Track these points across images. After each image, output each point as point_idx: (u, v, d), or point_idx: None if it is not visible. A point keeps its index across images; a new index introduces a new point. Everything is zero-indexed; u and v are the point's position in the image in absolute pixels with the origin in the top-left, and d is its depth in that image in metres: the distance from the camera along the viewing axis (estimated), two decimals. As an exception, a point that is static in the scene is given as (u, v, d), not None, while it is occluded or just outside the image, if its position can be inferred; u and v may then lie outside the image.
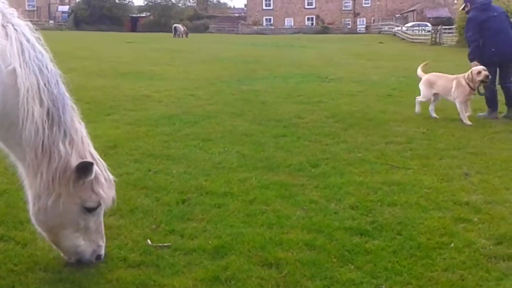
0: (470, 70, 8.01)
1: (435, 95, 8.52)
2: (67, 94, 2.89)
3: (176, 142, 6.49)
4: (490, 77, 7.58)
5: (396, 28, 51.78)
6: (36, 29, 2.87)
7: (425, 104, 8.77)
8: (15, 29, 2.68)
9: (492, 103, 8.50)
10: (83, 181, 2.85)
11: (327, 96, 10.72)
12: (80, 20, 62.73)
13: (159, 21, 66.52)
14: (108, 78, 13.08)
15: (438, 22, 46.10)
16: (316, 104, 9.69)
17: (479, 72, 7.84)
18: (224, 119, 8.08)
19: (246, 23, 69.87)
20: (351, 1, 73.39)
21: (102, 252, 3.16)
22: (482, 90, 8.25)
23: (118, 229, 3.75)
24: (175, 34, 46.84)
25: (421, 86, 8.74)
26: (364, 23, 71.33)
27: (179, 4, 73.33)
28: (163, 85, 12.01)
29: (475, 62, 8.30)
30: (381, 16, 69.00)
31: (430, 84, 8.57)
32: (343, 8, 73.54)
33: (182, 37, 46.10)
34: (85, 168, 2.81)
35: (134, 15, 71.81)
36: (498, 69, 8.44)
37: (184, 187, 4.76)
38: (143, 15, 72.99)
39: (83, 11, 64.22)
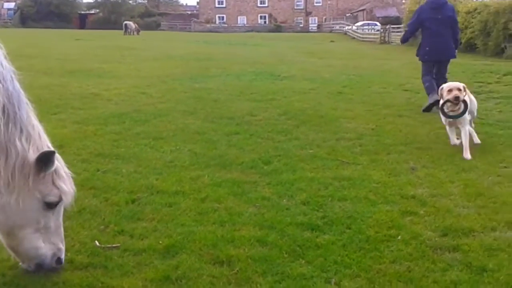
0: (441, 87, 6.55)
1: None
2: (22, 91, 2.81)
3: (126, 141, 6.37)
4: (459, 97, 6.21)
5: (346, 27, 52.74)
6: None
7: (376, 101, 8.94)
8: None
9: (429, 89, 8.80)
10: (44, 175, 2.78)
11: (279, 93, 10.79)
12: (26, 17, 60.65)
13: (109, 18, 65.18)
14: (55, 77, 12.70)
15: (387, 21, 47.21)
16: (268, 101, 9.73)
17: (450, 90, 6.20)
18: (176, 117, 8.00)
19: (198, 21, 69.44)
20: (303, 0, 74.22)
21: (63, 255, 3.06)
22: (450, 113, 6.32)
23: (64, 231, 3.62)
24: (125, 31, 45.97)
25: None
26: (316, 22, 72.27)
27: (130, 1, 72.09)
28: (113, 83, 11.77)
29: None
30: (332, 15, 70.10)
31: None
32: (295, 7, 74.30)
33: (133, 34, 45.29)
34: (46, 158, 2.75)
35: (82, 12, 70.09)
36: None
37: (134, 186, 4.67)
38: (92, 12, 71.30)
39: (30, 8, 62.13)
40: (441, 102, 6.36)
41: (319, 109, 8.96)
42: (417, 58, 9.45)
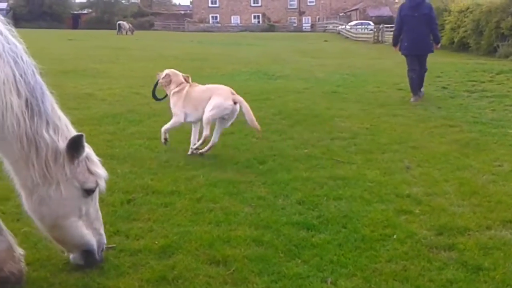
0: None
1: None
2: (44, 84, 2.84)
3: (120, 141, 6.35)
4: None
5: (340, 27, 52.80)
6: (8, 22, 2.79)
7: (370, 100, 8.95)
8: None
9: (411, 87, 9.99)
10: (77, 162, 2.82)
11: (274, 93, 10.79)
12: (19, 18, 60.27)
13: (102, 18, 64.97)
14: (48, 77, 12.52)
15: (380, 21, 47.31)
16: (263, 101, 9.73)
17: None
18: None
19: (192, 21, 69.31)
20: (296, 0, 74.24)
21: (105, 241, 3.13)
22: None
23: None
24: (119, 31, 45.83)
25: None
26: (309, 21, 72.32)
27: (123, 1, 71.86)
28: (107, 83, 11.74)
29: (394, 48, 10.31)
30: (325, 14, 70.20)
31: None
32: (289, 7, 74.32)
33: (127, 34, 45.18)
34: (76, 143, 2.77)
35: (75, 12, 69.76)
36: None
37: (129, 186, 4.66)
38: (85, 12, 71.02)
39: (22, 8, 61.78)
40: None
41: (313, 109, 8.97)
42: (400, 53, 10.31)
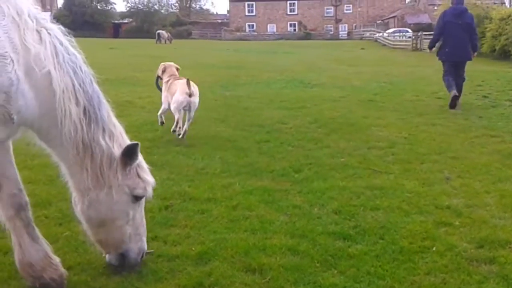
0: None
1: None
2: (101, 92, 2.97)
3: (158, 148, 6.46)
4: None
5: (377, 34, 52.33)
6: (69, 33, 2.93)
7: (408, 109, 8.83)
8: (48, 33, 2.75)
9: (448, 87, 10.00)
10: (129, 169, 2.94)
11: (310, 101, 10.77)
12: (62, 27, 62.12)
13: (142, 27, 66.34)
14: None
15: (418, 28, 46.67)
16: (299, 109, 9.72)
17: None
18: (207, 124, 8.07)
19: (229, 29, 69.98)
20: (333, 8, 74.00)
21: (145, 247, 3.23)
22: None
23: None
24: (158, 40, 46.68)
25: None
26: (346, 29, 71.95)
27: (162, 11, 73.19)
28: (146, 91, 11.95)
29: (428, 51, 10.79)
30: (362, 22, 69.67)
31: None
32: (325, 15, 74.11)
33: (166, 43, 45.99)
34: (131, 151, 2.90)
35: (116, 21, 71.45)
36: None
37: (167, 193, 4.73)
38: (126, 21, 72.66)
39: (65, 18, 63.42)
40: None
41: (349, 117, 8.91)
42: (437, 58, 10.53)
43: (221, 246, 3.63)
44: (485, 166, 5.76)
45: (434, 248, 3.62)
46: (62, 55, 2.74)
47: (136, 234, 3.11)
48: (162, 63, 7.65)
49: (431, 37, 10.79)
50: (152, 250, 3.51)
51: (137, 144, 2.92)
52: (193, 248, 3.59)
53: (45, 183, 4.97)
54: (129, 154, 2.90)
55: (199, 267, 3.34)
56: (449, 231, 3.95)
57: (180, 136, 6.79)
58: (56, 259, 3.12)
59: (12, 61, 2.51)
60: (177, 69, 7.53)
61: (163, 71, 7.45)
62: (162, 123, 7.28)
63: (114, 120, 3.03)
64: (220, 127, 7.91)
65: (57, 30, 2.84)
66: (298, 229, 3.95)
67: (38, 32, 2.70)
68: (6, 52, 2.49)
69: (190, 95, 6.71)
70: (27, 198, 3.06)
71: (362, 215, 4.26)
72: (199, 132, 7.51)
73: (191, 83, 6.84)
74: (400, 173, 5.51)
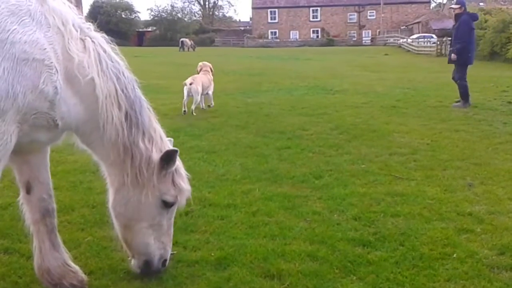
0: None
1: None
2: (143, 97, 3.06)
3: (180, 155, 6.41)
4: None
5: (401, 40, 51.87)
6: (112, 40, 3.04)
7: (431, 115, 8.75)
8: (92, 41, 2.85)
9: (465, 95, 10.85)
10: (165, 173, 3.01)
11: (331, 108, 10.75)
12: (87, 35, 63.17)
13: (165, 35, 67.01)
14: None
15: (443, 33, 46.05)
16: (320, 116, 9.72)
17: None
18: (229, 131, 8.13)
19: (251, 36, 70.24)
20: (356, 14, 73.69)
21: (168, 256, 3.26)
22: None
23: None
24: (181, 47, 47.13)
25: None
26: (370, 35, 71.51)
27: (185, 19, 73.88)
28: (169, 98, 12.10)
29: (454, 56, 10.94)
30: (386, 28, 69.17)
31: None
32: (348, 21, 73.84)
33: (189, 50, 46.41)
34: (169, 157, 2.98)
35: (140, 30, 72.35)
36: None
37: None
38: (150, 29, 73.54)
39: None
40: None
41: (371, 124, 8.86)
42: (458, 61, 10.99)
43: (240, 251, 3.65)
44: (509, 173, 5.67)
45: (454, 255, 3.58)
46: (106, 62, 2.84)
47: (160, 242, 3.13)
48: (200, 62, 11.25)
49: (462, 43, 10.81)
50: (174, 252, 3.55)
51: (176, 150, 2.99)
52: (212, 254, 3.62)
53: (68, 189, 5.08)
54: (167, 159, 2.97)
55: (218, 273, 3.37)
56: (470, 237, 3.91)
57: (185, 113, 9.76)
58: (76, 267, 3.19)
59: (57, 71, 2.60)
60: (211, 68, 11.09)
61: (200, 69, 11.04)
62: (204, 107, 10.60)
63: (155, 124, 3.11)
64: (241, 133, 7.96)
65: (101, 38, 2.94)
66: (318, 235, 3.95)
67: (82, 40, 2.80)
68: (52, 62, 2.58)
69: (190, 84, 9.90)
70: (54, 205, 3.15)
71: (382, 222, 4.24)
72: (220, 138, 7.57)
73: (199, 76, 10.65)
74: (422, 180, 5.46)
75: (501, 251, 3.64)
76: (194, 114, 9.75)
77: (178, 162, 3.09)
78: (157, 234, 3.11)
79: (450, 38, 36.31)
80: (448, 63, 11.69)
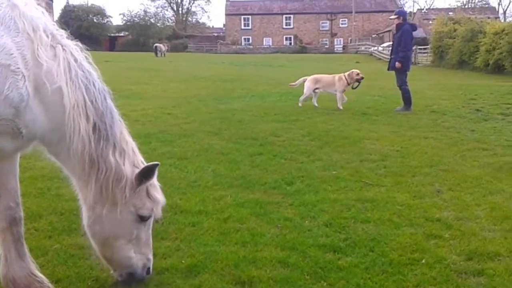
0: (351, 71, 12.53)
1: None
2: (115, 109, 2.96)
3: (151, 161, 6.44)
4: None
5: (372, 48, 52.65)
6: (86, 49, 2.96)
7: (401, 122, 8.87)
8: (63, 49, 2.76)
9: (408, 100, 11.56)
10: (139, 188, 2.91)
11: (303, 114, 10.82)
12: (58, 39, 62.16)
13: (138, 41, 66.58)
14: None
15: (413, 42, 46.99)
16: (292, 122, 9.77)
17: (358, 74, 12.21)
18: (201, 137, 8.09)
19: (224, 43, 70.30)
20: (328, 22, 74.53)
21: (151, 265, 3.19)
22: (355, 86, 12.34)
23: (89, 249, 3.70)
24: (157, 53, 46.65)
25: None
26: (341, 43, 72.37)
27: (158, 24, 73.49)
28: (140, 104, 12.00)
29: (398, 64, 11.58)
30: (358, 36, 70.11)
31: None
32: (321, 29, 74.62)
33: (163, 56, 46.09)
34: (150, 171, 2.89)
35: (112, 35, 71.66)
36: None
37: (158, 206, 4.72)
38: (122, 34, 72.90)
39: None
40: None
41: (343, 130, 8.95)
42: (400, 69, 11.73)
43: (211, 258, 3.63)
44: (476, 179, 5.79)
45: (423, 261, 3.63)
46: (75, 71, 2.75)
47: (141, 254, 3.07)
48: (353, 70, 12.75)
49: (426, 51, 11.51)
50: None
51: (157, 164, 2.91)
52: (183, 261, 3.58)
53: (35, 196, 4.97)
54: (147, 174, 2.88)
55: (189, 280, 3.34)
56: (439, 243, 3.97)
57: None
58: (42, 277, 3.11)
59: (24, 77, 2.53)
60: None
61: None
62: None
63: (127, 137, 3.01)
64: (213, 140, 7.93)
65: (73, 46, 2.86)
66: (289, 242, 3.95)
67: (53, 47, 2.72)
68: (18, 68, 2.51)
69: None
70: (21, 213, 3.06)
71: (353, 228, 4.27)
72: (192, 144, 7.53)
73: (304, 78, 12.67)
74: (392, 186, 5.54)
75: (469, 257, 3.70)
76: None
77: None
78: (136, 247, 3.05)
79: (420, 47, 37.03)
80: (388, 70, 12.34)
